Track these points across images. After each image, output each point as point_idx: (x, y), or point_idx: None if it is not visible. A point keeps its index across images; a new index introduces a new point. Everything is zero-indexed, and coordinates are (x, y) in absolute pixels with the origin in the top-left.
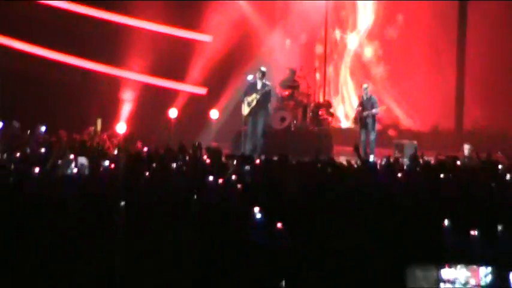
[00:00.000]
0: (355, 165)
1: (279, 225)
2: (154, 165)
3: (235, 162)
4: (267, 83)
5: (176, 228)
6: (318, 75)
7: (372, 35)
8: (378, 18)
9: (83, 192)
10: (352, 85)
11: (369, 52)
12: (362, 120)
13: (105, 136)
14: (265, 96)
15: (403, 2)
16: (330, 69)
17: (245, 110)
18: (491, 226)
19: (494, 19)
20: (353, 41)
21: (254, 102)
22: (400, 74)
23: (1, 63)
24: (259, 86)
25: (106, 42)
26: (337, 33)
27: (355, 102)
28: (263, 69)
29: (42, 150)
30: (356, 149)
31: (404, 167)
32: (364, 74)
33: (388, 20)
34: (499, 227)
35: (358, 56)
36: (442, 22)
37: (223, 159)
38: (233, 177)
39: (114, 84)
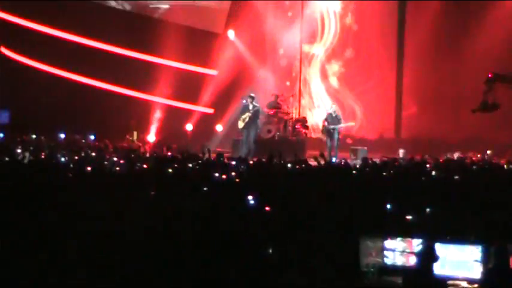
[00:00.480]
0: (321, 164)
1: (267, 208)
2: (176, 165)
3: (234, 162)
4: (256, 104)
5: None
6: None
7: (336, 51)
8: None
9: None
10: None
11: (331, 68)
12: (329, 131)
13: (140, 143)
14: (255, 114)
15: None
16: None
17: (240, 124)
18: (421, 209)
19: (430, 24)
20: (319, 56)
21: (247, 119)
22: (354, 89)
23: (62, 91)
24: (250, 107)
25: (141, 75)
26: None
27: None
28: (252, 95)
29: (93, 154)
30: (321, 154)
31: (357, 166)
32: (328, 89)
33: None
34: (427, 210)
35: (323, 72)
36: (383, 31)
37: (225, 160)
38: (233, 173)
39: (146, 106)
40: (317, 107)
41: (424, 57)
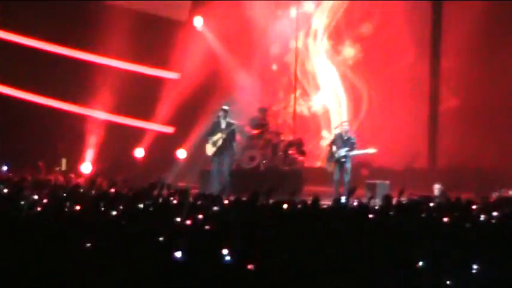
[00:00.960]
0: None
1: (250, 266)
2: (121, 206)
3: (201, 202)
4: (231, 121)
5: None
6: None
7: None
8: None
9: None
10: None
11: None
12: (337, 159)
13: (70, 176)
14: (231, 135)
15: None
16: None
17: (210, 149)
18: (465, 267)
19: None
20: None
21: (220, 142)
22: (372, 107)
23: None
24: (223, 125)
25: (73, 80)
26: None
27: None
28: (225, 107)
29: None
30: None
31: (376, 208)
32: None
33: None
34: (474, 267)
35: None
36: (416, 46)
37: (190, 199)
38: (200, 216)
39: (80, 123)
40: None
41: (465, 65)
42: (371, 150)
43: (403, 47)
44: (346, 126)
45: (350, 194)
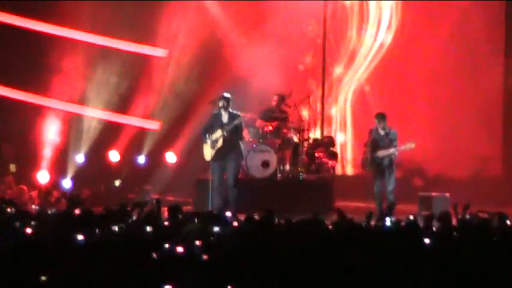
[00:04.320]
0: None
1: None
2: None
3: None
4: (236, 112)
5: None
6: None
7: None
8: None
9: None
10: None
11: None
12: (376, 164)
13: (22, 187)
14: (235, 132)
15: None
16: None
17: (208, 153)
18: None
19: None
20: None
21: (220, 142)
22: (426, 98)
23: None
24: (224, 118)
25: (27, 60)
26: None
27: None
28: (227, 95)
29: None
30: (368, 217)
31: (433, 229)
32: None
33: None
34: None
35: (376, 73)
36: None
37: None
38: (197, 243)
39: (35, 117)
40: None
41: None
42: (409, 146)
43: (474, 45)
44: (380, 119)
45: (389, 211)
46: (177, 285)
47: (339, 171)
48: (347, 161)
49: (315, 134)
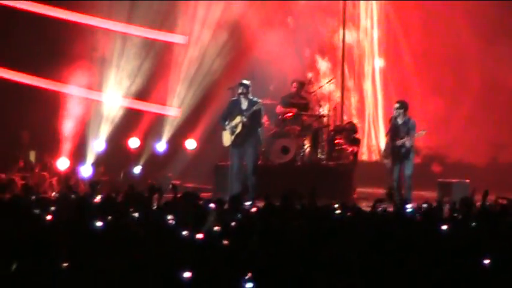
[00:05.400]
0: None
1: None
2: (109, 215)
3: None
4: (255, 99)
5: None
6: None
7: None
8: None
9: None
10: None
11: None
12: (394, 151)
13: (41, 174)
14: (255, 118)
15: None
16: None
17: (227, 139)
18: None
19: None
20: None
21: (239, 128)
22: (446, 83)
23: None
24: (244, 105)
25: (44, 47)
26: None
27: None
28: (245, 81)
29: None
30: (390, 194)
31: (454, 215)
32: (401, 84)
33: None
34: None
35: (393, 59)
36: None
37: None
38: (215, 228)
39: (54, 104)
40: None
41: None
42: (421, 133)
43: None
44: (399, 107)
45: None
46: (196, 272)
47: (363, 157)
48: (368, 148)
49: (337, 121)
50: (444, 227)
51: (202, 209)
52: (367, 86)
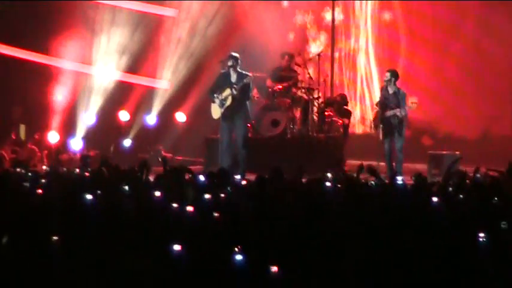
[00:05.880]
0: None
1: (274, 269)
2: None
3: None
4: (245, 72)
5: None
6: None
7: None
8: None
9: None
10: (376, 72)
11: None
12: (385, 123)
13: (33, 147)
14: (244, 91)
15: None
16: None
17: (216, 112)
18: None
19: None
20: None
21: (229, 101)
22: (436, 56)
23: None
24: (233, 78)
25: (33, 22)
26: None
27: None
28: (235, 54)
29: None
30: (370, 171)
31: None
32: (392, 56)
33: None
34: None
35: (385, 27)
36: None
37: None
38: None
39: (43, 78)
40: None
41: None
42: (413, 101)
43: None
44: (389, 76)
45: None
46: (185, 246)
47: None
48: (358, 120)
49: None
50: (435, 199)
51: (188, 183)
52: (360, 59)
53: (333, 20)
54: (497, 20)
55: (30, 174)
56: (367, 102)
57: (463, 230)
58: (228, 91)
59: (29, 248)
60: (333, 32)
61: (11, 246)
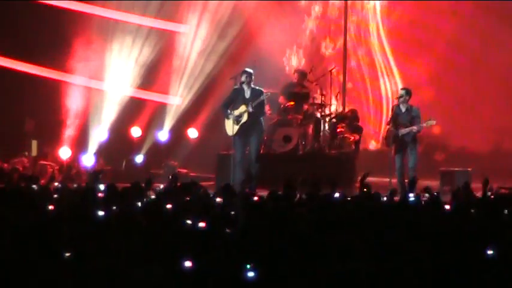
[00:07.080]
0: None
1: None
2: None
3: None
4: (258, 88)
5: None
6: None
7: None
8: None
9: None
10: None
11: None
12: (397, 140)
13: (43, 164)
14: (259, 108)
15: None
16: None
17: (231, 128)
18: None
19: None
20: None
21: (245, 117)
22: (449, 69)
23: None
24: (247, 94)
25: (48, 37)
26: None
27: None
28: (249, 70)
29: None
30: (391, 193)
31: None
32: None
33: None
34: None
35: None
36: None
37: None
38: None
39: (54, 93)
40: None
41: None
42: (431, 122)
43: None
44: (404, 94)
45: (411, 186)
46: (197, 261)
47: (370, 145)
48: (370, 136)
49: (338, 108)
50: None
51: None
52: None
53: (345, 30)
54: (507, 34)
55: (42, 190)
56: (383, 117)
57: (473, 246)
58: (243, 107)
59: (41, 264)
60: (344, 49)
61: (23, 262)
